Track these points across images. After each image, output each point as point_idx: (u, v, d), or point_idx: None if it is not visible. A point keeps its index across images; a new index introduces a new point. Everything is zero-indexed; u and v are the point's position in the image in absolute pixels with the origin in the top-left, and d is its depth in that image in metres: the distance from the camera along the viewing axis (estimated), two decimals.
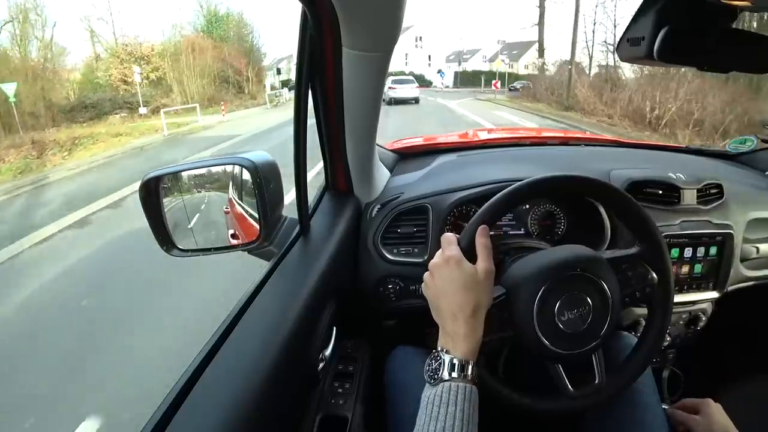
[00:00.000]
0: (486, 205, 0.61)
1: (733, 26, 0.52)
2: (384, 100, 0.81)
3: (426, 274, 0.58)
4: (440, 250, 0.58)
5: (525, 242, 0.92)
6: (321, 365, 0.69)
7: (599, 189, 0.66)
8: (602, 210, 0.91)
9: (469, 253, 0.56)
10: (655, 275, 0.65)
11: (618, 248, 0.78)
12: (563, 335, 0.57)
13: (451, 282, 0.54)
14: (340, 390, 0.78)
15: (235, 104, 23.44)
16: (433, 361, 0.53)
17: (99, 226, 5.07)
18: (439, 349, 0.53)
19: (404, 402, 0.72)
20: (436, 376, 0.51)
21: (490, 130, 1.56)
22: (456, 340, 0.52)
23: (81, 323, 2.85)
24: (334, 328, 0.78)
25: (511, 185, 0.62)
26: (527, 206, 0.97)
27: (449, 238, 0.58)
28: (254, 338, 0.54)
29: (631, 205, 0.65)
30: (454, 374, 0.51)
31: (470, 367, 0.51)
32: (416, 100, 18.35)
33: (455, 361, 0.51)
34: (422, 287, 0.59)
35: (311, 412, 0.72)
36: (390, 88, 16.89)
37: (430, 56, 41.69)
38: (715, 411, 0.73)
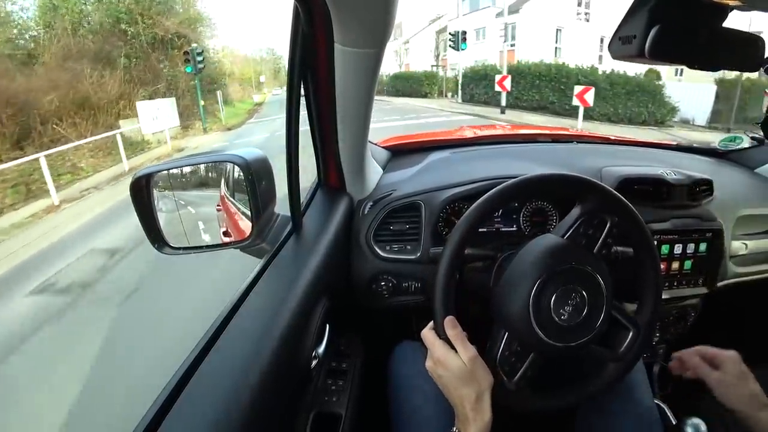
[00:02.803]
0: (439, 266, 0.63)
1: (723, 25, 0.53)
2: None
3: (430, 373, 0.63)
4: (428, 351, 0.62)
5: (517, 239, 0.92)
6: (314, 362, 0.69)
7: (541, 183, 0.67)
8: None
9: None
10: (616, 217, 0.67)
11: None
12: (563, 329, 0.59)
13: (449, 380, 0.59)
14: (333, 387, 0.78)
15: None
16: None
17: None
18: (453, 429, 0.59)
19: (409, 395, 0.75)
20: None
21: (481, 127, 1.56)
22: (465, 424, 0.57)
23: None
24: (327, 325, 0.77)
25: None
26: (517, 204, 0.97)
27: (428, 337, 0.62)
28: (247, 336, 0.54)
29: (565, 176, 0.67)
30: None
31: None
32: None
33: None
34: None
35: (305, 409, 0.72)
36: None
37: (602, 39, 20.99)
38: (737, 365, 0.72)
